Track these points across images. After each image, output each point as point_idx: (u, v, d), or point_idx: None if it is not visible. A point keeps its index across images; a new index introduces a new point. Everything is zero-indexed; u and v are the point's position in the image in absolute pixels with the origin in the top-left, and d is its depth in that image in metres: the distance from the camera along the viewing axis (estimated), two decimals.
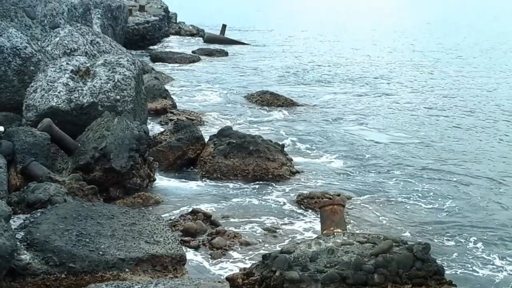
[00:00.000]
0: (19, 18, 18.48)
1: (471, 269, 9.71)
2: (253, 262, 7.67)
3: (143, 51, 35.36)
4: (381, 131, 19.55)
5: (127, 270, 7.43)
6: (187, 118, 18.46)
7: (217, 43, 40.54)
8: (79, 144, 11.58)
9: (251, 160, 13.63)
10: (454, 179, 14.45)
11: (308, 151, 16.73)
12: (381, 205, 12.45)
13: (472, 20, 77.81)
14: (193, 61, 32.75)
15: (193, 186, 13.18)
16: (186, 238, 10.04)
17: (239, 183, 13.30)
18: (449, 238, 10.95)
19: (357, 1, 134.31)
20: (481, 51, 43.55)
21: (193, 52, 36.15)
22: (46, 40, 17.08)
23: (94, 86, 13.02)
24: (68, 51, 16.43)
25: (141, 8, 40.72)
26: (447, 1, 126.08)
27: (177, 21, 49.97)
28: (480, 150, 17.46)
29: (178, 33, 45.90)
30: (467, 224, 11.72)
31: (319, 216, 7.88)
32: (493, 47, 46.26)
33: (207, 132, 16.11)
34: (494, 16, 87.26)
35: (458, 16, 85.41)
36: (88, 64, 13.76)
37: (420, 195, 13.22)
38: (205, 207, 11.68)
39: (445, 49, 44.08)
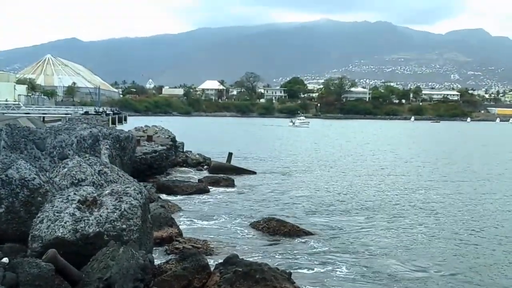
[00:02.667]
0: (28, 150, 18.88)
1: None
2: None
3: (150, 179, 35.68)
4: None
5: None
6: (193, 246, 18.30)
7: (223, 171, 40.87)
8: (84, 275, 11.43)
9: None
10: None
11: (313, 280, 16.44)
12: None
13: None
14: (200, 190, 32.86)
15: None
16: None
17: None
18: None
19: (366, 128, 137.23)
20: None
21: (199, 180, 36.41)
22: (55, 171, 17.32)
23: (100, 215, 13.04)
24: (76, 181, 16.60)
25: (149, 138, 41.63)
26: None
27: (184, 150, 50.88)
28: None
29: (185, 161, 46.46)
30: None
31: None
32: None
33: (213, 261, 15.90)
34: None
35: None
36: (95, 194, 13.86)
37: None
38: None
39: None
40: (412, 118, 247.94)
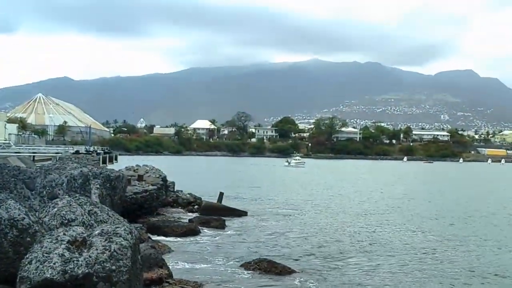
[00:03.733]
0: (18, 190, 18.74)
1: None
2: None
3: (141, 219, 35.42)
4: None
5: None
6: (183, 287, 18.10)
7: (214, 212, 40.61)
8: None
9: None
10: None
11: None
12: None
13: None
14: (190, 230, 32.63)
15: None
16: None
17: None
18: None
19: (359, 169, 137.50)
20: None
21: (190, 220, 36.19)
22: (44, 211, 17.17)
23: (90, 256, 12.90)
24: (66, 221, 16.45)
25: (140, 178, 41.44)
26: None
27: (175, 190, 50.65)
28: None
29: (176, 201, 46.20)
30: None
31: None
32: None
33: None
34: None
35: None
36: (85, 234, 13.73)
37: None
38: None
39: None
40: (405, 158, 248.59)
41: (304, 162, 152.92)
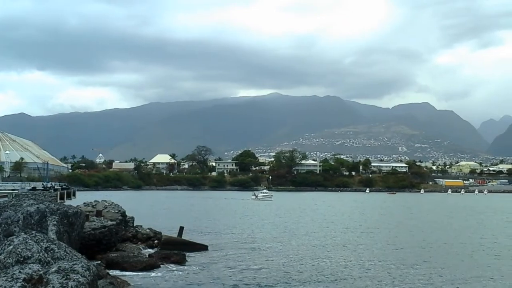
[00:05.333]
0: None
1: None
2: None
3: (99, 255, 34.87)
4: None
5: None
6: None
7: (174, 246, 40.20)
8: None
9: None
10: None
11: None
12: None
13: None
14: (150, 265, 32.28)
15: None
16: None
17: None
18: None
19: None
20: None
21: (150, 255, 35.79)
22: None
23: None
24: (22, 259, 16.14)
25: (98, 213, 40.95)
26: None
27: (135, 225, 50.09)
28: None
29: (135, 236, 45.67)
30: None
31: None
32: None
33: None
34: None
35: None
36: (41, 272, 13.50)
37: None
38: None
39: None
40: (367, 190, 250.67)
41: (272, 195, 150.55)
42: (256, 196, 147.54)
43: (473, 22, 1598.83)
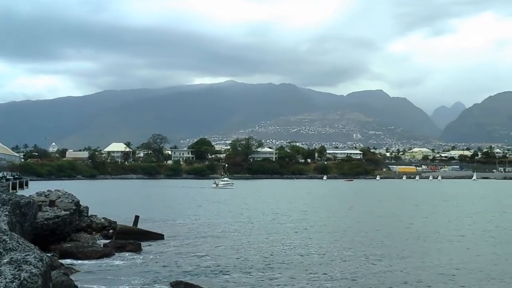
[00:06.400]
0: None
1: None
2: None
3: (53, 246, 34.41)
4: None
5: None
6: None
7: (130, 235, 39.91)
8: None
9: None
10: None
11: None
12: None
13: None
14: (105, 254, 32.05)
15: None
16: None
17: None
18: None
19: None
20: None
21: (104, 245, 35.50)
22: None
23: None
24: None
25: (51, 203, 40.31)
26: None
27: (89, 214, 49.50)
28: None
29: (89, 226, 45.16)
30: None
31: None
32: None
33: None
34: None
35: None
36: None
37: None
38: None
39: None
40: (325, 177, 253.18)
41: (233, 183, 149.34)
42: (217, 185, 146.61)
43: (426, 11, 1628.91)
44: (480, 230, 49.05)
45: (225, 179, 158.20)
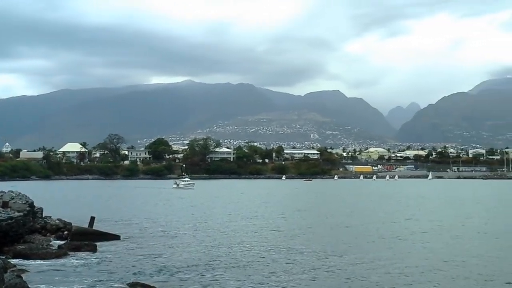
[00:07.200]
0: None
1: None
2: None
3: (6, 248, 33.86)
4: None
5: None
6: None
7: (85, 237, 39.46)
8: None
9: None
10: None
11: None
12: None
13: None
14: (59, 256, 31.69)
15: None
16: None
17: None
18: None
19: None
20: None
21: (59, 247, 35.09)
22: None
23: None
24: None
25: (5, 204, 39.62)
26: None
27: (43, 216, 48.78)
28: None
29: (44, 227, 44.51)
30: None
31: None
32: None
33: None
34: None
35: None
36: None
37: None
38: None
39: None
40: (284, 177, 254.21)
41: (194, 184, 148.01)
42: (178, 185, 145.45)
43: (381, 12, 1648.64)
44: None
45: (186, 179, 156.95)
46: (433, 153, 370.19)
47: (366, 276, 27.68)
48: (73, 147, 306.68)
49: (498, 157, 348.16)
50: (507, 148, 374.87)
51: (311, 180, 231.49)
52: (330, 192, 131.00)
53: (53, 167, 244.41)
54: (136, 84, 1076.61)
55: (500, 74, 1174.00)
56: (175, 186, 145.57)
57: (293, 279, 26.86)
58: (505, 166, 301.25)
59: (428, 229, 49.03)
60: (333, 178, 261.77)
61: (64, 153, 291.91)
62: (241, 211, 70.47)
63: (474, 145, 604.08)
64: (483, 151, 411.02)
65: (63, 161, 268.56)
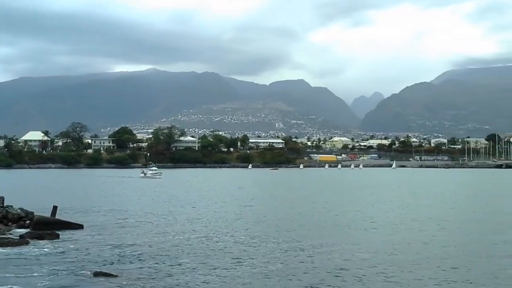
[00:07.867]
0: None
1: None
2: None
3: None
4: None
5: None
6: None
7: (48, 226, 39.10)
8: None
9: None
10: None
11: None
12: None
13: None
14: (20, 245, 31.44)
15: None
16: None
17: None
18: None
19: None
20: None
21: (21, 236, 34.75)
22: None
23: None
24: None
25: None
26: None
27: (5, 205, 48.16)
28: None
29: (5, 217, 43.97)
30: None
31: None
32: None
33: None
34: None
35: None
36: None
37: None
38: None
39: None
40: (250, 166, 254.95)
41: (161, 173, 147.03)
42: (145, 174, 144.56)
43: (345, 2, 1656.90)
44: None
45: (154, 168, 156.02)
46: (396, 142, 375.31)
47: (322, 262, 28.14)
48: (35, 135, 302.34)
49: (460, 146, 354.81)
50: (468, 137, 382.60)
51: (277, 169, 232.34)
52: (300, 181, 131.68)
53: (14, 156, 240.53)
54: (100, 72, 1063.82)
55: (462, 64, 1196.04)
56: (142, 175, 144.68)
57: (259, 265, 27.14)
58: (466, 155, 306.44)
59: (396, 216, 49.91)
60: (299, 167, 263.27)
61: (26, 141, 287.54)
62: (206, 200, 70.56)
63: (436, 134, 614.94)
64: (445, 141, 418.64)
65: (25, 149, 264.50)
